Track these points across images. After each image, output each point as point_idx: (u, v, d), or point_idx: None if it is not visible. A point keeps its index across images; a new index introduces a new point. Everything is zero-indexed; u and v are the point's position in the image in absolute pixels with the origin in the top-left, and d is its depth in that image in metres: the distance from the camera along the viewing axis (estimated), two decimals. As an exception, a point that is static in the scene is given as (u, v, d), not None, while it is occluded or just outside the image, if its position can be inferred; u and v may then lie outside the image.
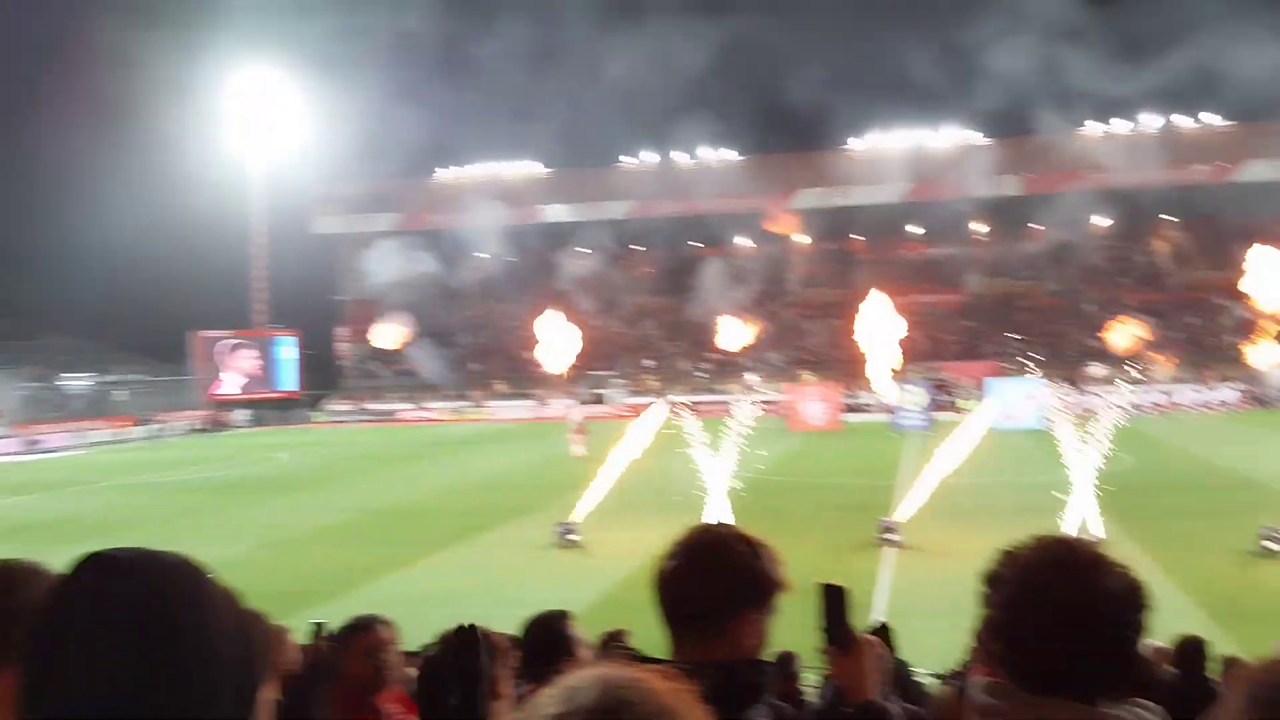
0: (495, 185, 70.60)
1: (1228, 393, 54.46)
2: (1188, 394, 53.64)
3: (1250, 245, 54.52)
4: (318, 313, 72.48)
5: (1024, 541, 1.76)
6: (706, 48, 58.44)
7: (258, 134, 65.85)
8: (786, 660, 6.83)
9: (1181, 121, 62.77)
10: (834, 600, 2.22)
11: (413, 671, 6.06)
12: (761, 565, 2.11)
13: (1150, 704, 1.70)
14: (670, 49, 58.72)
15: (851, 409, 52.11)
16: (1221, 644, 9.45)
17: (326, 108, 62.87)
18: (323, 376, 70.53)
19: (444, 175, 73.73)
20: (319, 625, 7.17)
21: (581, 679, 1.08)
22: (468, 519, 23.51)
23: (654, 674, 1.12)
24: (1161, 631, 8.28)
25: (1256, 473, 27.43)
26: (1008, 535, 1.98)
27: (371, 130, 61.15)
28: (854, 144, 67.30)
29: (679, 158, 69.89)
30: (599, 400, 60.93)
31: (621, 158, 71.16)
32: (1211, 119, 62.24)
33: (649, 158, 70.93)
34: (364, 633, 4.27)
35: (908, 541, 18.84)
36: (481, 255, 72.19)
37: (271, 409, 64.45)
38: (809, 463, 34.67)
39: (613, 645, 7.46)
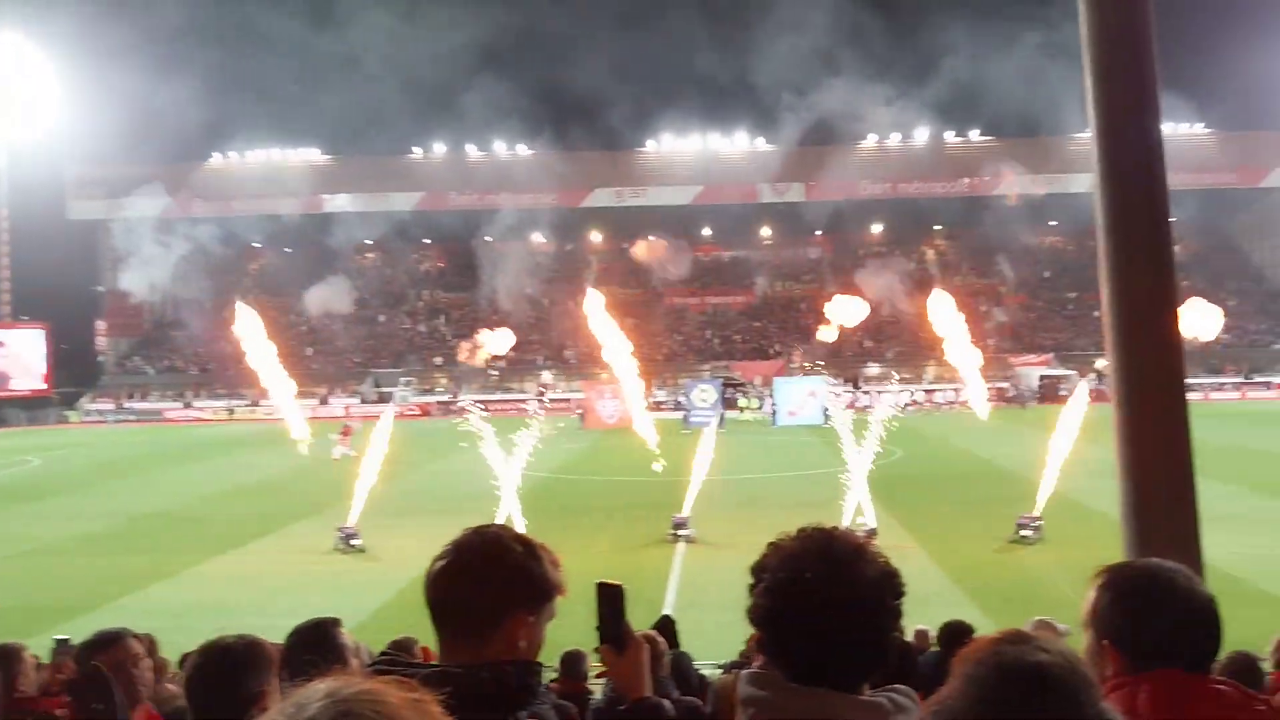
0: (274, 172, 67.29)
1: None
2: (949, 392, 57.49)
3: (1006, 255, 59.06)
4: (72, 304, 66.59)
5: (788, 533, 1.76)
6: (500, 37, 57.95)
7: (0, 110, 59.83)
8: (574, 660, 6.71)
9: (950, 138, 67.44)
10: (610, 599, 2.18)
11: (174, 688, 5.53)
12: (537, 567, 2.05)
13: (906, 689, 1.74)
14: (462, 38, 57.77)
15: (646, 407, 52.91)
16: (983, 626, 10.10)
17: (85, 85, 57.62)
18: (79, 373, 65.08)
19: (218, 161, 69.50)
20: (62, 642, 6.56)
21: (309, 693, 1.05)
22: (242, 524, 22.20)
23: (391, 684, 1.09)
24: (930, 615, 8.70)
25: (1013, 465, 29.63)
26: (790, 526, 1.90)
27: (137, 111, 56.41)
28: (650, 145, 68.40)
29: (472, 151, 68.81)
30: (384, 399, 59.20)
31: (413, 149, 69.40)
32: (978, 136, 67.15)
33: (440, 149, 69.47)
34: (110, 648, 3.86)
35: (698, 536, 19.18)
36: (256, 245, 68.76)
37: (15, 408, 58.89)
38: (604, 460, 34.91)
39: (395, 654, 7.16)
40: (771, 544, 1.78)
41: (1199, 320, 44.87)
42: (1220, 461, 27.24)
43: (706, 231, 73.88)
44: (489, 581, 1.98)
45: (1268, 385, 56.95)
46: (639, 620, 2.51)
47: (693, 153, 67.29)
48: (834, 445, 19.78)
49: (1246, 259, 70.93)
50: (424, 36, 58.53)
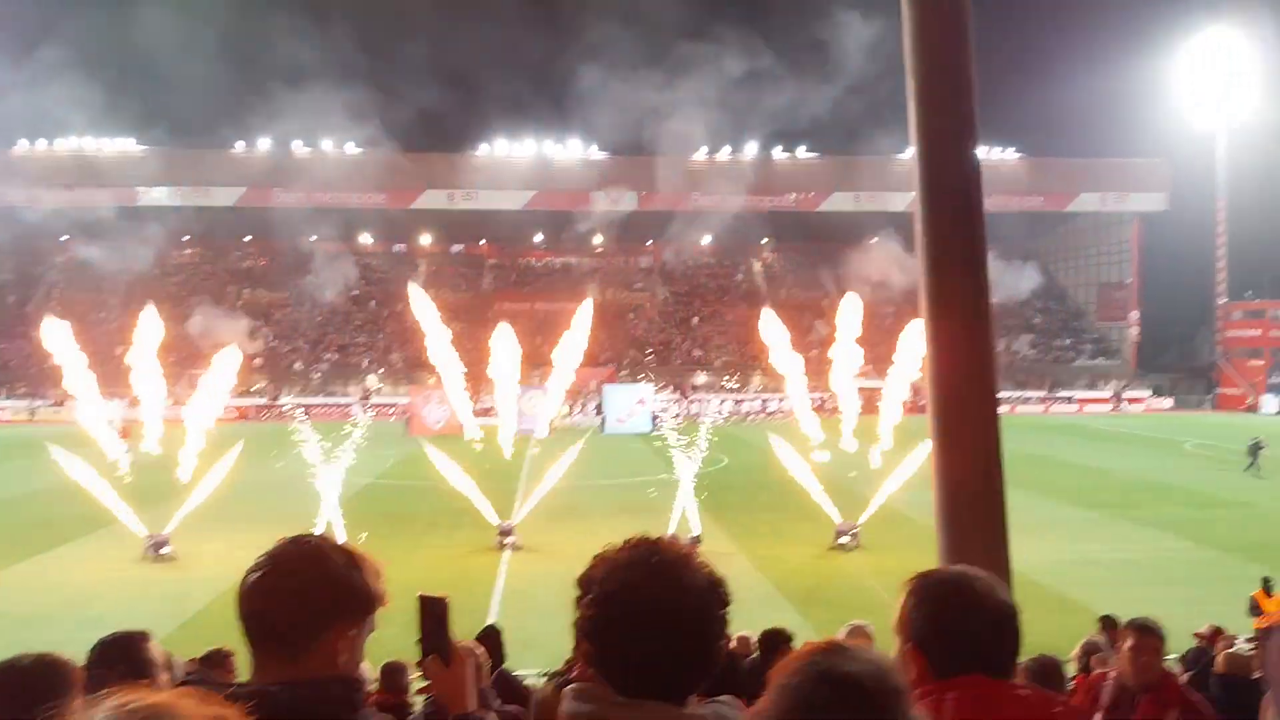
0: (85, 162, 62.92)
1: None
2: (774, 402, 59.21)
3: (836, 268, 61.31)
4: None
5: (614, 544, 1.74)
6: (333, 32, 56.10)
7: None
8: (394, 672, 6.50)
9: (778, 154, 69.58)
10: (433, 611, 2.14)
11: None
12: (358, 578, 1.96)
13: (730, 699, 1.76)
14: (293, 31, 55.59)
15: (474, 413, 52.12)
16: (803, 631, 10.42)
17: None
18: None
19: (24, 149, 64.37)
20: None
21: (94, 709, 1.01)
22: (44, 530, 20.63)
23: (190, 697, 1.04)
24: (753, 621, 8.88)
25: (834, 473, 30.71)
26: (619, 533, 1.88)
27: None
28: (483, 149, 67.57)
29: (299, 148, 66.20)
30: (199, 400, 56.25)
31: (236, 143, 66.21)
32: (804, 152, 69.50)
33: (265, 144, 66.55)
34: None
35: (525, 543, 19.04)
36: (65, 237, 64.13)
37: None
38: (429, 467, 34.09)
39: (205, 670, 6.73)
40: (598, 556, 1.75)
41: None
42: (1025, 471, 29.15)
43: (539, 237, 73.68)
44: (308, 594, 1.88)
45: (1069, 399, 61.20)
46: (464, 630, 2.43)
47: (527, 157, 66.86)
48: (662, 453, 20.02)
49: (1052, 279, 76.23)
50: (252, 29, 56.00)
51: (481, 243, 72.68)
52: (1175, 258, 68.37)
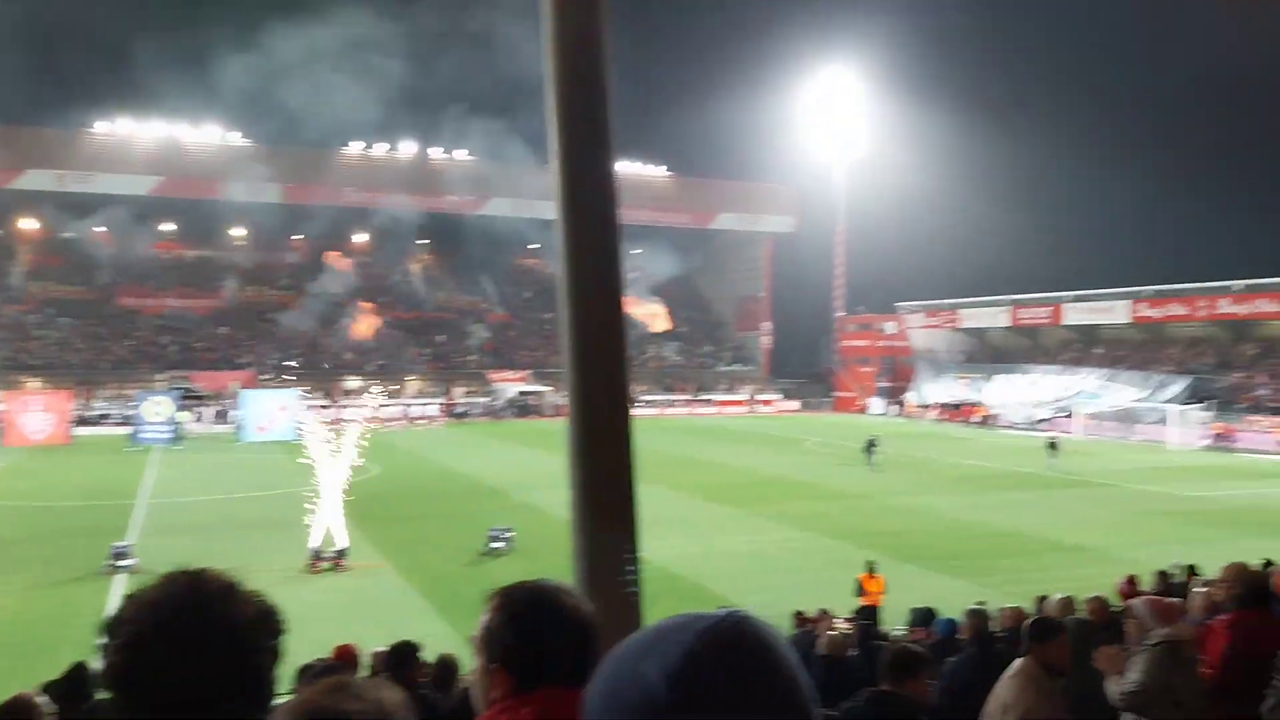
0: None
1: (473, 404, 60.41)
2: (434, 407, 58.20)
3: (492, 273, 61.04)
4: None
5: (149, 581, 1.56)
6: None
7: None
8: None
9: (439, 155, 68.29)
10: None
11: None
12: None
13: None
14: None
15: (85, 421, 46.68)
16: (451, 639, 10.12)
17: None
18: None
19: None
20: None
21: None
22: None
23: None
24: (402, 633, 8.46)
25: (490, 478, 30.67)
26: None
27: None
28: (101, 126, 60.56)
29: None
30: None
31: None
32: (464, 156, 68.64)
33: None
34: None
35: (143, 565, 17.16)
36: None
37: None
38: (29, 482, 30.08)
39: None
40: (128, 595, 1.56)
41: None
42: (670, 471, 30.69)
43: (170, 227, 67.35)
44: None
45: (710, 402, 65.49)
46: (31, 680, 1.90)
47: (154, 139, 60.67)
48: (306, 462, 18.84)
49: (697, 291, 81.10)
50: None
51: (100, 230, 64.40)
52: (801, 275, 76.07)
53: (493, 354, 66.87)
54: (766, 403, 66.73)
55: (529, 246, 74.63)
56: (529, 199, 64.01)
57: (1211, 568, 8.91)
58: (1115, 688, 4.92)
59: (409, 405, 57.08)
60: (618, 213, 4.07)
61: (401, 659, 6.45)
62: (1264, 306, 49.63)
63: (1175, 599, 6.50)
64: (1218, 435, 42.65)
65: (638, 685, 0.99)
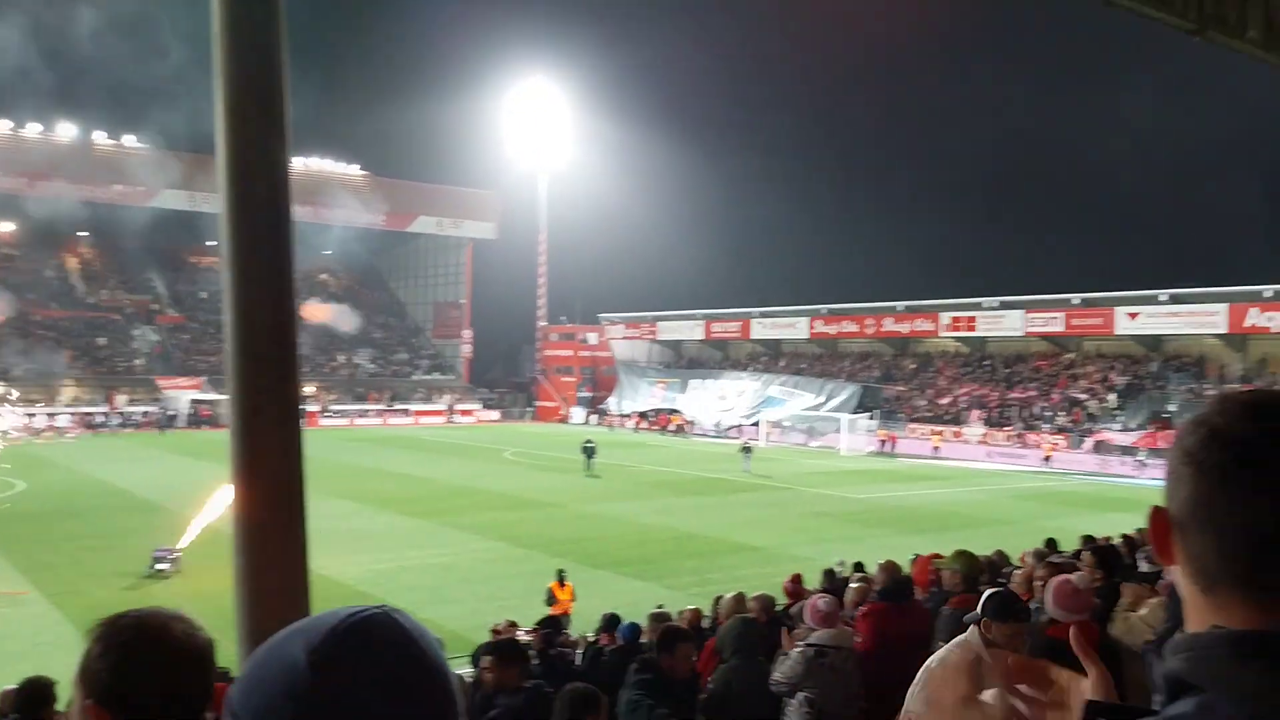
0: None
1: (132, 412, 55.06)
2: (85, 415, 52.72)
3: (163, 271, 56.24)
4: None
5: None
6: None
7: None
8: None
9: (103, 139, 61.76)
10: None
11: None
12: None
13: None
14: None
15: None
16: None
17: None
18: None
19: None
20: None
21: None
22: None
23: None
24: (51, 668, 7.51)
25: (154, 494, 28.18)
26: None
27: None
28: None
29: None
30: None
31: None
32: (135, 143, 62.28)
33: None
34: None
35: None
36: None
37: None
38: None
39: None
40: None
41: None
42: (358, 484, 29.56)
43: None
44: None
45: (406, 412, 63.53)
46: None
47: None
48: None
49: (393, 296, 78.85)
50: None
51: None
52: (503, 282, 76.24)
53: (162, 359, 61.72)
54: (466, 413, 66.12)
55: (208, 244, 69.53)
56: (207, 191, 59.51)
57: (873, 564, 9.76)
58: (776, 674, 5.64)
59: (54, 415, 51.38)
60: (291, 209, 3.81)
61: (33, 699, 5.68)
62: (921, 325, 55.95)
63: (835, 599, 7.14)
64: (882, 441, 47.22)
65: (281, 664, 0.97)
